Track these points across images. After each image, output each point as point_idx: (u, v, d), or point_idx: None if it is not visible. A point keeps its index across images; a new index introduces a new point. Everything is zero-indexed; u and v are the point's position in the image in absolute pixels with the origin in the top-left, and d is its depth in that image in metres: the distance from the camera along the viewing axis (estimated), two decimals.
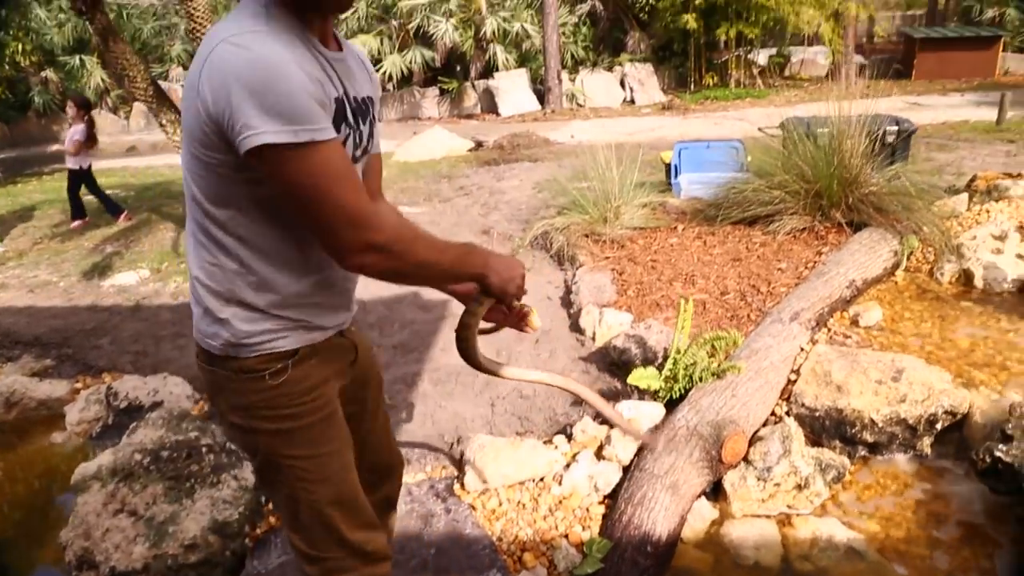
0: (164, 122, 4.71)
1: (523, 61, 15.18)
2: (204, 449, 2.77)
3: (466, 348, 1.51)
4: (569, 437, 2.82)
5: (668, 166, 6.42)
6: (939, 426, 2.76)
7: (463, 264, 1.37)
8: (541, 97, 15.00)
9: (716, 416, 2.70)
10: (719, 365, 2.93)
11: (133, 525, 2.46)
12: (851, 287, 3.67)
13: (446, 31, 13.51)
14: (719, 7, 14.38)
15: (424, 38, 14.46)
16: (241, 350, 1.34)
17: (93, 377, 3.87)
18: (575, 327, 3.72)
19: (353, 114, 1.34)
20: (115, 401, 3.49)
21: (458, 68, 15.20)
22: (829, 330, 3.42)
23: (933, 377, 2.84)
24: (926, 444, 2.78)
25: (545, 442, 2.81)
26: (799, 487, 2.59)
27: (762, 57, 17.23)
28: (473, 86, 15.06)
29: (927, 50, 15.19)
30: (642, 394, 3.02)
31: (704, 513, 2.57)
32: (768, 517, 2.56)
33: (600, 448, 2.72)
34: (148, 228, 6.72)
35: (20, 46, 11.01)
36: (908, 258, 4.04)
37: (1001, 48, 15.57)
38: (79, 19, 15.73)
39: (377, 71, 14.22)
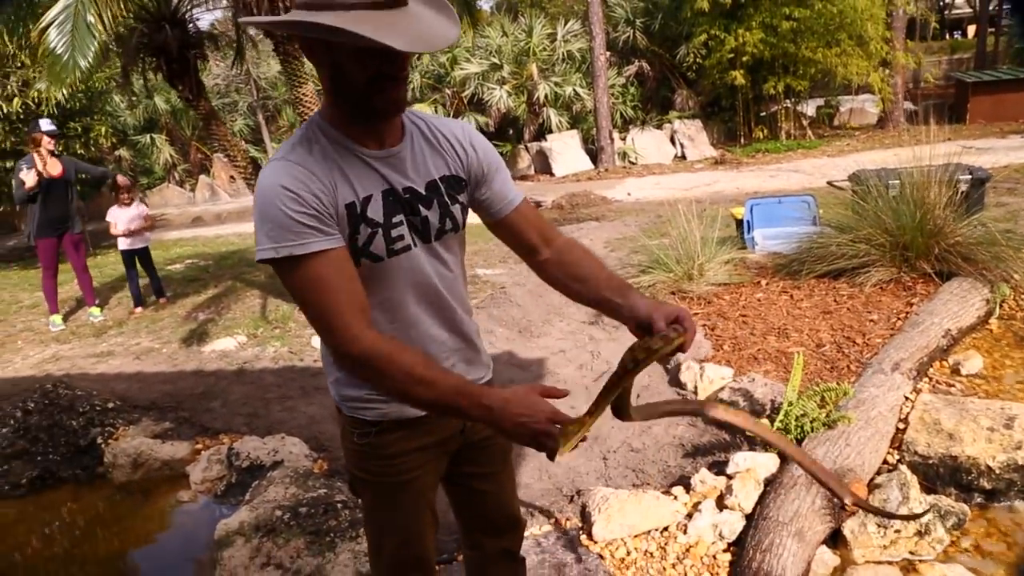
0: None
1: (575, 123, 15.61)
2: (339, 505, 2.94)
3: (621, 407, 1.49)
4: (688, 488, 2.91)
5: (739, 222, 6.55)
6: None
7: (457, 406, 1.35)
8: (594, 156, 15.35)
9: (833, 464, 2.78)
10: (828, 415, 3.01)
11: None
12: (947, 336, 3.72)
13: (500, 97, 14.02)
14: (766, 62, 14.64)
15: (478, 104, 15.01)
16: (343, 406, 1.61)
17: (211, 438, 4.10)
18: (675, 382, 3.83)
19: (395, 208, 1.45)
20: (237, 461, 3.70)
21: (511, 131, 15.68)
22: (931, 379, 3.47)
23: None
24: None
25: (663, 492, 2.90)
26: (920, 533, 2.62)
27: (810, 108, 17.39)
28: (527, 148, 15.51)
29: (980, 93, 15.16)
30: (754, 445, 3.10)
31: (826, 559, 2.61)
32: (891, 563, 2.59)
33: (721, 497, 2.80)
34: (235, 295, 7.06)
35: (103, 129, 11.86)
36: (1000, 306, 4.07)
37: None
38: (149, 101, 16.84)
39: None
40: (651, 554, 2.65)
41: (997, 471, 2.79)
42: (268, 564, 2.69)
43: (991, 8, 22.91)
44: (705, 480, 2.89)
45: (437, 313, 1.58)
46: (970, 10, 32.82)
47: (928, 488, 2.87)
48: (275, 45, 4.58)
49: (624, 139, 15.81)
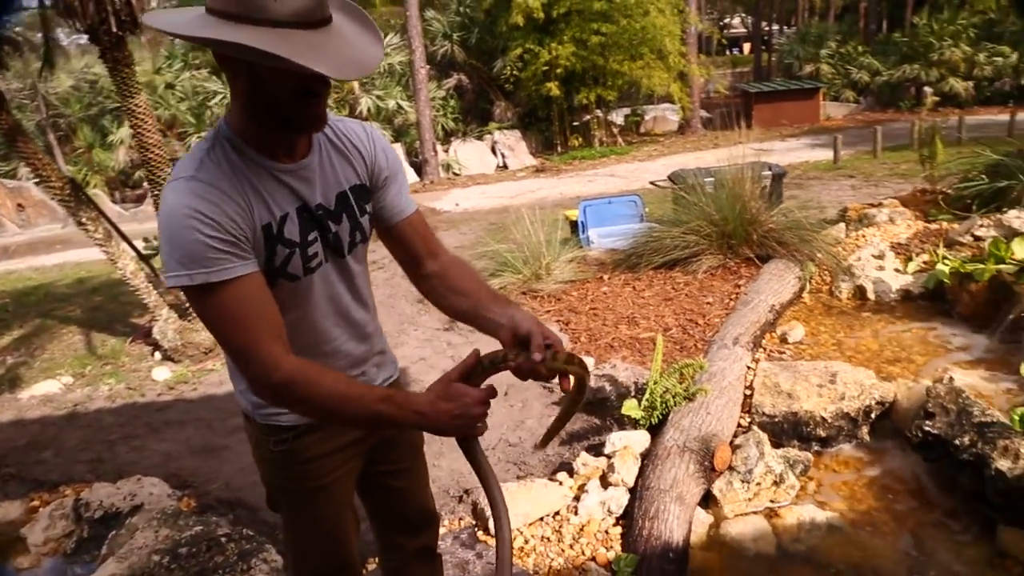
0: (84, 220, 4.61)
1: (398, 136, 15.62)
2: (223, 539, 2.78)
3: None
4: (571, 472, 3.06)
5: (574, 223, 6.93)
6: (873, 415, 3.25)
7: (389, 417, 1.32)
8: (418, 169, 15.44)
9: (699, 432, 3.05)
10: (687, 389, 3.30)
11: None
12: (772, 311, 4.20)
13: None
14: (578, 74, 15.52)
15: None
16: (255, 415, 1.55)
17: (49, 492, 3.70)
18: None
19: (309, 226, 1.41)
20: (87, 512, 3.36)
21: None
22: (765, 349, 3.90)
23: (861, 376, 3.33)
24: (865, 432, 3.25)
25: (549, 479, 3.03)
26: (776, 483, 2.95)
27: (619, 117, 18.64)
28: None
29: (762, 102, 17.02)
30: (623, 425, 3.32)
31: (702, 518, 2.86)
32: (756, 513, 2.89)
33: (603, 476, 2.98)
34: (48, 334, 6.39)
35: None
36: (810, 281, 4.64)
37: (821, 97, 17.73)
38: None
39: None
40: (548, 539, 2.77)
41: (829, 420, 3.20)
42: None
43: (763, 29, 25.78)
44: (587, 463, 3.06)
45: (348, 326, 1.57)
46: (744, 30, 36.75)
47: (776, 443, 3.22)
48: (101, 52, 4.19)
49: (447, 151, 16.05)
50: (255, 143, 1.35)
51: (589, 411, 3.57)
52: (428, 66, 13.95)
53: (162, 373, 4.79)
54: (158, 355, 5.14)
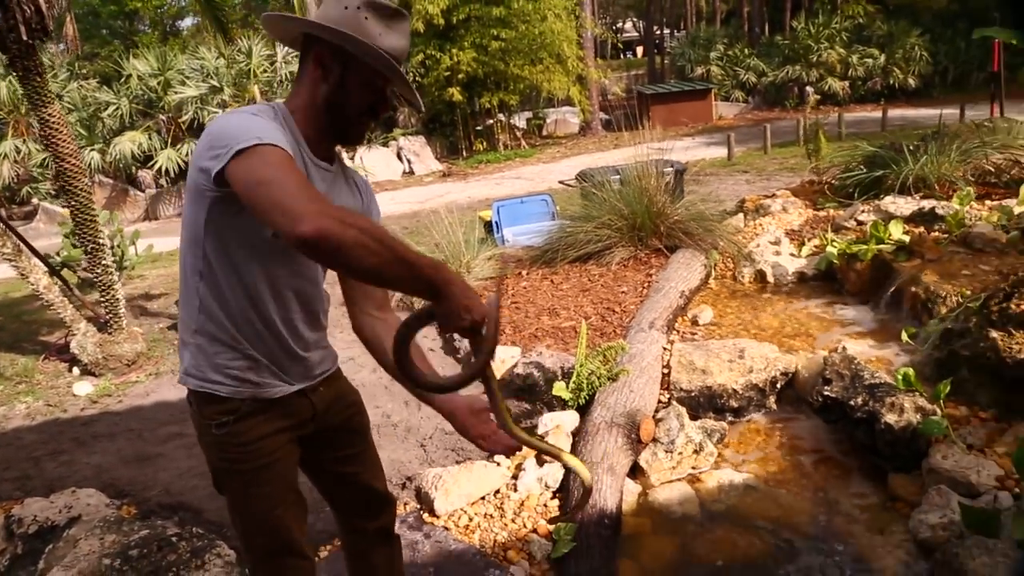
0: None
1: None
2: (174, 539, 2.80)
3: (401, 359, 1.44)
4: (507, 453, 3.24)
5: (488, 223, 7.13)
6: (779, 385, 3.58)
7: (423, 271, 1.30)
8: None
9: (624, 408, 3.29)
10: (611, 370, 3.54)
11: None
12: (682, 296, 4.52)
13: None
14: (479, 79, 15.76)
15: (196, 130, 14.16)
16: (192, 379, 1.60)
17: None
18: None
19: None
20: (20, 528, 3.27)
21: None
22: (678, 331, 4.20)
23: (765, 350, 3.67)
24: (772, 401, 3.58)
25: (488, 461, 3.20)
26: (696, 452, 3.22)
27: (522, 120, 19.00)
28: None
29: (657, 103, 17.75)
30: (552, 407, 3.53)
31: (630, 488, 3.10)
32: (680, 480, 3.16)
33: (539, 455, 3.17)
34: None
35: None
36: (715, 268, 5.01)
37: (713, 98, 18.66)
38: None
39: (152, 167, 13.51)
40: (491, 515, 2.93)
41: (740, 392, 3.51)
42: None
43: (655, 33, 26.79)
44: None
45: (307, 310, 1.67)
46: (637, 34, 38.03)
47: (694, 416, 3.50)
48: (10, 60, 4.01)
49: (352, 158, 15.93)
50: (304, 132, 1.55)
51: (520, 396, 3.76)
52: None
53: (84, 388, 4.66)
54: (76, 370, 4.98)
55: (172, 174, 13.95)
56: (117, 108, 13.71)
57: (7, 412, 4.57)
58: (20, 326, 6.63)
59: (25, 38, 3.80)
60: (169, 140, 13.96)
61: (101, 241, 4.66)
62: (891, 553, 2.62)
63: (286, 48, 14.73)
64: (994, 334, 3.11)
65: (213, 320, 1.57)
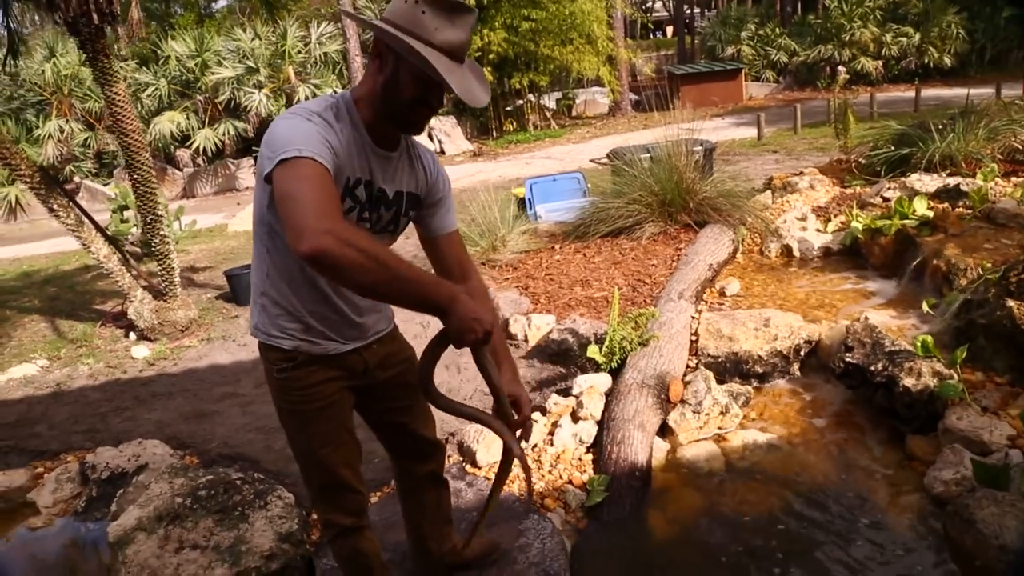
0: (55, 207, 4.73)
1: None
2: (238, 482, 3.05)
3: (424, 381, 1.64)
4: (544, 412, 3.45)
5: (521, 200, 7.30)
6: (802, 353, 3.74)
7: (423, 289, 1.42)
8: None
9: (654, 371, 3.48)
10: (641, 335, 3.72)
11: (203, 555, 2.71)
12: (711, 269, 4.68)
13: (260, 101, 13.67)
14: (510, 60, 15.84)
15: (233, 110, 14.48)
16: (260, 335, 1.82)
17: (51, 460, 3.88)
18: (505, 335, 4.37)
19: (369, 198, 1.71)
20: (94, 474, 3.57)
21: None
22: (706, 302, 4.37)
23: (790, 319, 3.83)
24: (795, 368, 3.75)
25: None
26: (722, 413, 3.40)
27: (551, 101, 19.06)
28: None
29: (688, 83, 17.71)
30: (586, 370, 3.73)
31: (660, 445, 3.30)
32: (707, 439, 3.34)
33: (573, 412, 3.38)
34: (9, 324, 6.38)
35: None
36: (743, 243, 5.15)
37: (744, 78, 18.55)
38: None
39: (190, 147, 13.84)
40: (529, 467, 3.14)
41: (765, 358, 3.68)
42: (182, 548, 2.75)
43: (686, 13, 26.54)
44: (557, 402, 3.46)
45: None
46: (667, 14, 37.62)
47: (720, 380, 3.68)
48: (80, 43, 4.28)
49: None
50: (366, 120, 1.67)
51: (555, 361, 3.97)
52: (361, 54, 14.06)
53: (141, 351, 4.95)
54: (132, 335, 5.28)
55: (209, 153, 14.28)
56: (156, 89, 14.07)
57: (71, 373, 4.88)
58: (75, 296, 6.97)
59: (96, 21, 4.06)
60: (207, 120, 14.30)
61: (160, 212, 4.93)
62: (906, 507, 2.79)
63: (319, 30, 14.97)
64: (1011, 303, 3.24)
65: (276, 287, 1.77)
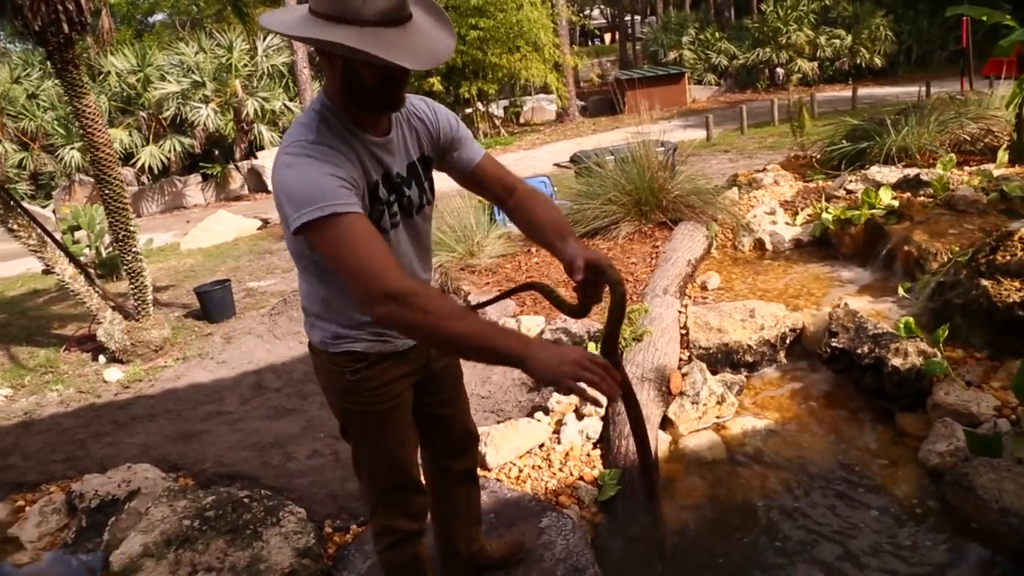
0: (14, 227, 4.53)
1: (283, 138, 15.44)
2: (246, 500, 2.99)
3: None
4: (546, 411, 3.47)
5: (487, 205, 7.32)
6: (788, 341, 3.86)
7: (493, 344, 1.43)
8: None
9: (652, 365, 3.54)
10: (635, 331, 3.79)
11: None
12: (689, 265, 4.78)
13: (207, 116, 13.37)
14: (459, 69, 15.89)
15: (179, 126, 14.14)
16: (329, 346, 1.79)
17: (32, 492, 3.72)
18: None
19: (392, 190, 1.68)
20: (82, 503, 3.43)
21: (216, 152, 15.00)
22: (690, 296, 4.47)
23: (774, 309, 3.94)
24: (782, 355, 3.86)
25: (530, 418, 3.43)
26: (719, 403, 3.48)
27: (499, 108, 19.16)
28: (237, 168, 14.97)
29: (633, 88, 18.00)
30: None
31: (662, 437, 3.35)
32: (706, 429, 3.42)
33: (577, 409, 3.42)
34: None
35: None
36: (716, 238, 5.28)
37: (687, 82, 19.00)
38: None
39: (134, 165, 13.43)
40: (539, 467, 3.16)
41: (754, 347, 3.78)
42: (195, 572, 2.66)
43: (627, 20, 27.06)
44: (560, 400, 3.49)
45: (422, 261, 1.86)
46: (604, 20, 38.26)
47: (713, 370, 3.77)
48: (48, 54, 4.11)
49: None
50: (353, 118, 1.60)
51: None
52: (310, 67, 13.91)
53: (114, 374, 4.79)
54: (102, 358, 5.10)
55: (155, 171, 13.90)
56: (99, 105, 13.62)
57: (39, 400, 4.69)
58: (28, 321, 6.69)
59: (66, 31, 3.92)
60: (151, 137, 13.92)
61: (132, 228, 4.79)
62: (905, 481, 2.90)
63: (266, 42, 14.77)
64: (984, 283, 3.41)
65: (337, 309, 1.74)
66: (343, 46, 1.41)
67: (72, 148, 13.51)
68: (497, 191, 1.89)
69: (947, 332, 3.29)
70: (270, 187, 1.69)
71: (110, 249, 8.17)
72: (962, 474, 2.63)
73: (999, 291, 3.35)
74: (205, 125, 13.39)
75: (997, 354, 3.33)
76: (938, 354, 3.25)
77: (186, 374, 4.77)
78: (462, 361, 2.11)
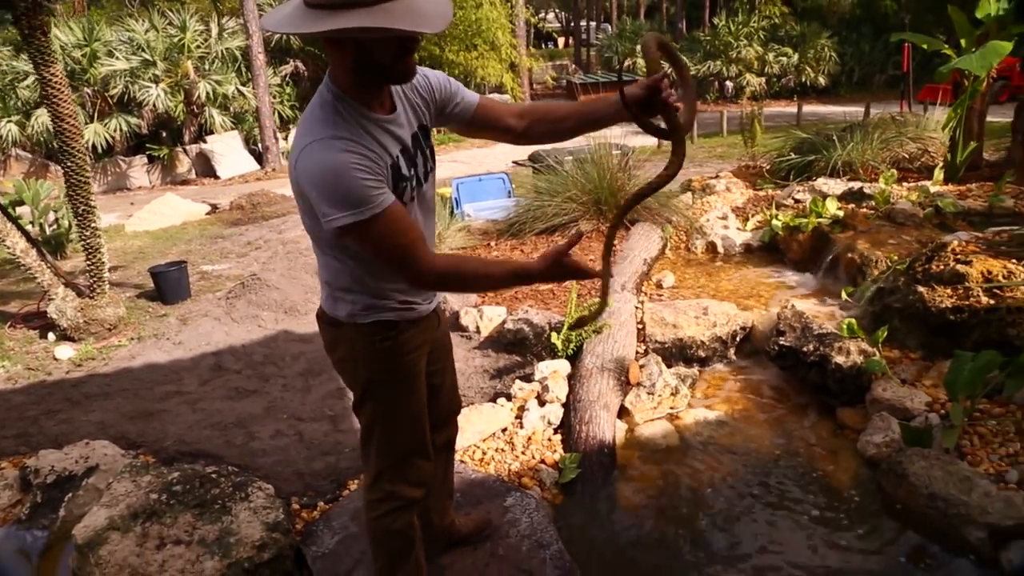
0: None
1: (236, 122, 15.15)
2: (214, 475, 3.00)
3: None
4: (509, 397, 3.58)
5: (446, 200, 7.41)
6: (738, 338, 4.06)
7: (514, 281, 1.89)
8: (258, 157, 15.10)
9: (611, 356, 3.69)
10: (595, 325, 3.93)
11: (188, 549, 2.64)
12: (646, 263, 4.97)
13: (157, 96, 13.03)
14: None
15: (126, 105, 13.74)
16: (358, 317, 1.84)
17: None
18: (456, 327, 4.46)
19: (408, 162, 1.73)
20: (37, 479, 3.38)
21: (164, 134, 14.63)
22: (646, 293, 4.64)
23: (726, 308, 4.14)
24: (732, 352, 4.06)
25: (493, 403, 3.54)
26: (673, 394, 3.65)
27: None
28: (186, 151, 14.63)
29: (587, 92, 18.32)
30: (542, 358, 3.90)
31: (619, 425, 3.50)
32: (661, 418, 3.58)
33: (539, 396, 3.54)
34: None
35: None
36: (670, 240, 5.48)
37: None
38: None
39: None
40: (502, 450, 3.27)
41: (707, 343, 3.97)
42: (164, 544, 2.66)
43: (582, 26, 27.40)
44: (522, 387, 3.60)
45: (428, 232, 1.91)
46: (559, 24, 38.63)
47: (667, 364, 3.94)
48: (15, 18, 3.97)
49: (286, 139, 15.81)
50: (363, 101, 1.63)
51: (510, 350, 4.11)
52: (265, 52, 13.71)
53: (65, 352, 4.69)
54: (52, 336, 4.99)
55: (99, 150, 13.47)
56: (36, 79, 13.12)
57: None
58: None
59: None
60: (95, 114, 13.48)
61: (93, 203, 4.70)
62: (844, 469, 3.12)
63: (220, 24, 14.47)
64: (921, 289, 3.67)
65: (364, 287, 1.81)
66: (361, 29, 1.45)
67: (9, 121, 12.99)
68: (507, 120, 1.93)
69: (886, 334, 3.52)
70: (292, 176, 1.67)
71: (53, 227, 7.95)
72: (896, 463, 2.84)
73: (933, 297, 3.60)
74: (154, 105, 13.05)
75: (930, 355, 3.59)
76: (877, 354, 3.48)
77: (141, 354, 4.70)
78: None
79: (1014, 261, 3.63)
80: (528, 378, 3.73)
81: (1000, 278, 3.48)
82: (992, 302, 3.41)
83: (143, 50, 13.21)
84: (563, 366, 3.72)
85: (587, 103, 1.90)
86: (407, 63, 1.61)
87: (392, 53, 1.56)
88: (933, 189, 5.13)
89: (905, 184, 5.59)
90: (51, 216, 7.90)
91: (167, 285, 5.53)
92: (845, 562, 2.58)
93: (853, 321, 3.70)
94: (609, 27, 28.34)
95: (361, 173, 1.54)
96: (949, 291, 3.57)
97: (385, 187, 1.59)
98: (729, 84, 19.39)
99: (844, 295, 4.20)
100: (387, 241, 1.60)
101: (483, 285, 1.84)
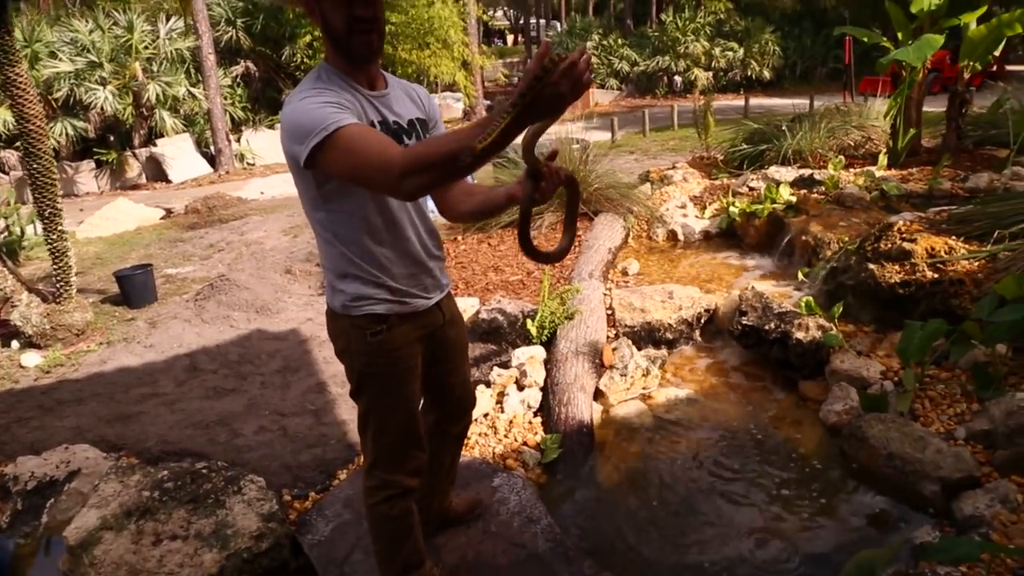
0: None
1: (188, 124, 14.90)
2: (204, 471, 3.04)
3: (524, 239, 1.80)
4: (488, 384, 3.69)
5: None
6: (703, 320, 4.25)
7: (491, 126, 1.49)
8: (211, 160, 14.88)
9: (585, 341, 3.83)
10: (567, 311, 4.07)
11: (185, 543, 2.68)
12: (610, 252, 5.13)
13: (105, 99, 12.74)
14: None
15: (71, 108, 13.40)
16: (351, 309, 1.90)
17: None
18: None
19: (392, 133, 1.82)
20: (16, 486, 3.37)
21: (111, 137, 14.31)
22: (612, 281, 4.80)
23: (690, 292, 4.32)
24: (697, 334, 4.24)
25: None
26: (644, 375, 3.80)
27: None
28: (135, 155, 14.34)
29: None
30: (516, 345, 4.02)
31: (595, 407, 3.65)
32: (634, 399, 3.74)
33: (517, 381, 3.66)
34: None
35: None
36: (632, 229, 5.65)
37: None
38: None
39: (17, 147, 12.56)
40: (485, 434, 3.38)
41: (674, 325, 4.14)
42: (160, 540, 2.70)
43: (531, 23, 27.52)
44: (501, 374, 3.71)
45: (416, 234, 1.96)
46: (507, 22, 38.76)
47: (637, 346, 4.10)
48: None
49: (239, 140, 15.62)
50: (347, 72, 1.80)
51: (485, 339, 4.22)
52: (216, 53, 13.51)
53: (32, 359, 4.63)
54: (15, 343, 4.92)
55: None
56: None
57: None
58: None
59: None
60: None
61: (59, 206, 4.64)
62: (808, 437, 3.31)
63: (169, 24, 14.22)
64: (871, 267, 3.90)
65: (355, 267, 1.87)
66: None
67: None
68: (458, 201, 2.00)
69: (841, 309, 3.74)
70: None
71: (4, 234, 7.76)
72: (857, 428, 3.04)
73: (883, 273, 3.83)
74: (102, 108, 12.75)
75: (882, 327, 3.82)
76: (834, 328, 3.70)
77: (112, 358, 4.67)
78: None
79: (954, 238, 3.89)
80: (505, 365, 3.85)
81: (943, 254, 3.73)
82: (936, 276, 3.66)
83: (88, 51, 12.89)
84: (539, 352, 3.85)
85: (493, 191, 1.99)
86: (361, 36, 1.74)
87: (344, 18, 1.71)
88: (878, 174, 5.42)
89: (852, 170, 5.87)
90: (1, 223, 7.72)
91: (133, 289, 5.49)
92: (812, 523, 2.76)
93: (811, 299, 3.91)
94: (559, 24, 28.59)
95: (327, 99, 1.64)
96: (897, 267, 3.80)
97: (350, 113, 1.65)
98: (678, 79, 19.78)
99: (800, 275, 4.42)
100: (357, 146, 1.57)
101: (455, 153, 1.44)
